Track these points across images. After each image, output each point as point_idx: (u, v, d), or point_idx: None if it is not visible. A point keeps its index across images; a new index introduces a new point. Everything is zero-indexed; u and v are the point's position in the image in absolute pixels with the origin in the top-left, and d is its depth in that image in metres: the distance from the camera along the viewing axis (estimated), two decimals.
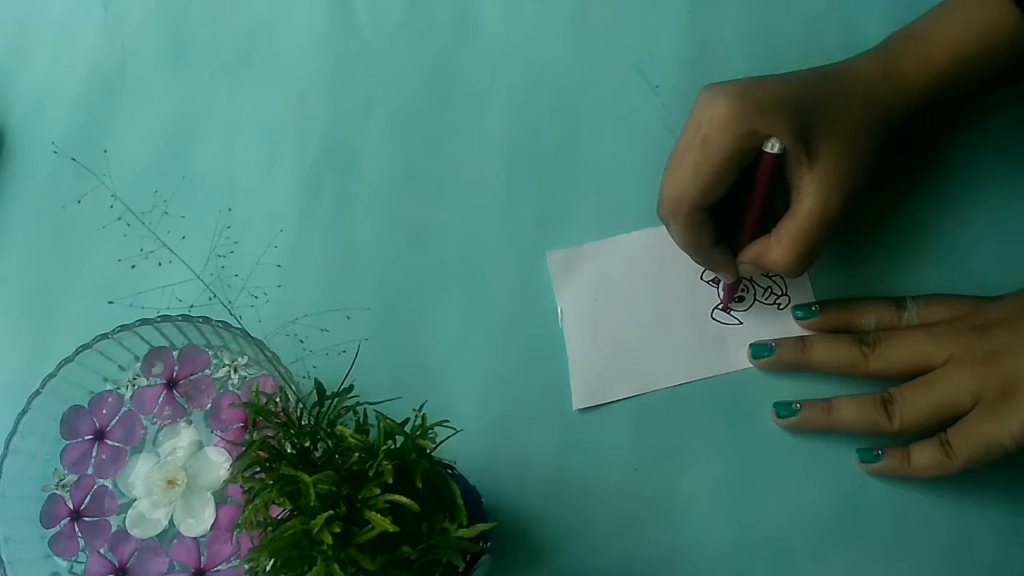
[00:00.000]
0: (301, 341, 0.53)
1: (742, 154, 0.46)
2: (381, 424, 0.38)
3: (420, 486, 0.37)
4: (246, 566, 0.37)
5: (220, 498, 0.51)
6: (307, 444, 0.39)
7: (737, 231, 0.50)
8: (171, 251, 0.54)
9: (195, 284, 0.54)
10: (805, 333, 0.52)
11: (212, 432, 0.52)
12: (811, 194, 0.46)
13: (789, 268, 0.48)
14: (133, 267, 0.55)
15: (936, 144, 0.55)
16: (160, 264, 0.55)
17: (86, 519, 0.51)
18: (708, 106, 0.47)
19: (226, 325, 0.50)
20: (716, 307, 0.53)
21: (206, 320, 0.50)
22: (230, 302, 0.54)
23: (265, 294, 0.55)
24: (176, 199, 0.57)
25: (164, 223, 0.56)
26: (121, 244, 0.56)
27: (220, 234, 0.56)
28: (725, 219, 0.49)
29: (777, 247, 0.47)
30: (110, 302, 0.54)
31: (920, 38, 0.49)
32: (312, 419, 0.40)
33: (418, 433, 0.38)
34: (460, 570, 0.40)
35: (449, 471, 0.42)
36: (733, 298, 0.53)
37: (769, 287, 0.53)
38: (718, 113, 0.46)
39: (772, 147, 0.46)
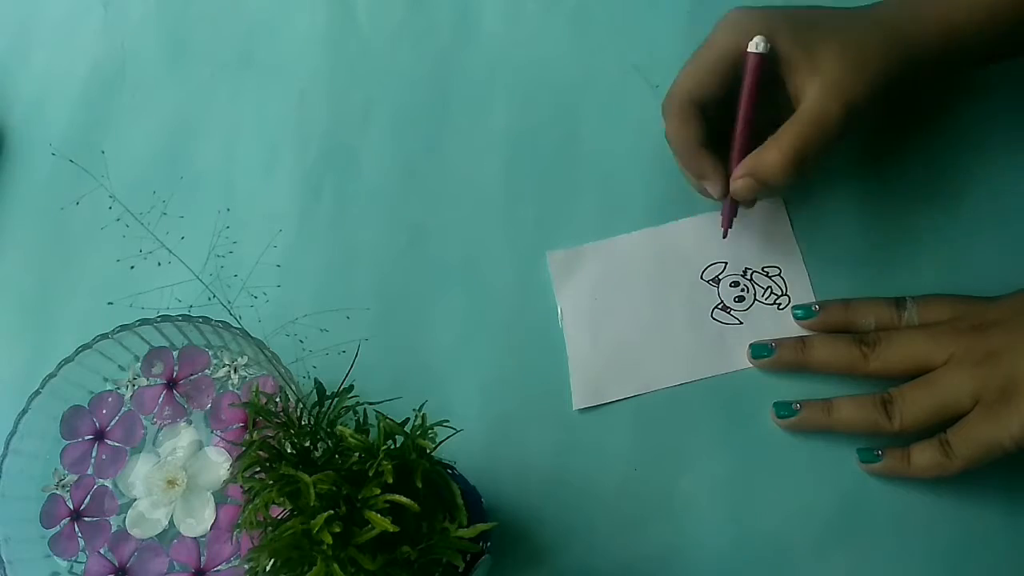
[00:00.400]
0: (301, 341, 0.53)
1: (739, 53, 0.47)
2: (381, 424, 0.38)
3: (420, 486, 0.37)
4: (246, 566, 0.37)
5: (220, 498, 0.51)
6: (307, 444, 0.39)
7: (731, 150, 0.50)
8: (170, 251, 0.54)
9: (194, 284, 0.54)
10: (805, 333, 0.52)
11: (212, 432, 0.52)
12: (810, 98, 0.47)
13: (781, 169, 0.47)
14: (132, 268, 0.55)
15: (936, 144, 0.55)
16: (159, 264, 0.55)
17: (86, 519, 0.51)
18: (723, 18, 0.49)
19: (226, 325, 0.50)
20: (716, 307, 0.53)
21: (206, 320, 0.50)
22: (229, 302, 0.54)
23: (265, 294, 0.55)
24: (175, 199, 0.57)
25: (163, 223, 0.56)
26: (120, 245, 0.56)
27: (219, 234, 0.56)
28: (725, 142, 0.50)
29: (773, 148, 0.47)
30: (110, 303, 0.54)
31: None
32: (312, 419, 0.40)
33: (418, 433, 0.38)
34: (460, 570, 0.40)
35: (449, 471, 0.42)
36: (731, 222, 0.52)
37: (769, 287, 0.53)
38: (727, 20, 0.48)
39: (756, 46, 0.47)
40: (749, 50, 0.47)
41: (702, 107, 0.49)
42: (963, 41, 0.48)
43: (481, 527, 0.38)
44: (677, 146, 0.50)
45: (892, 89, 0.48)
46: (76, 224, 0.57)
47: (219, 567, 0.50)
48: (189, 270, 0.54)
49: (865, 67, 0.47)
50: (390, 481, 0.36)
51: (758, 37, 0.47)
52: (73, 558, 0.51)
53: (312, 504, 0.36)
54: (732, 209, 0.51)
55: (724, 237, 0.52)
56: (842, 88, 0.46)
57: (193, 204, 0.57)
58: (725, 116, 0.49)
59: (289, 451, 0.39)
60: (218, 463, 0.51)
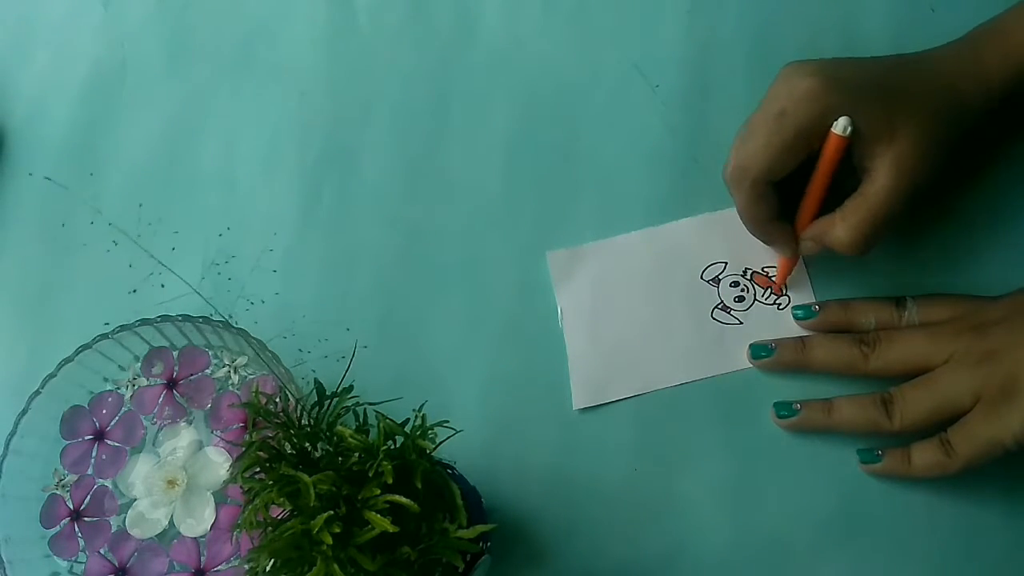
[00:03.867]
0: (299, 349, 0.53)
1: (816, 132, 0.46)
2: (381, 424, 0.38)
3: (420, 486, 0.37)
4: (246, 566, 0.37)
5: (220, 498, 0.51)
6: (307, 444, 0.39)
7: (798, 208, 0.50)
8: (163, 265, 0.54)
9: (193, 298, 0.54)
10: (805, 333, 0.52)
11: (212, 432, 0.52)
12: (883, 176, 0.46)
13: (851, 247, 0.47)
14: (135, 292, 0.55)
15: None
16: (161, 285, 0.55)
17: (86, 519, 0.51)
18: (788, 81, 0.47)
19: (226, 325, 0.50)
20: (716, 307, 0.53)
21: (206, 320, 0.51)
22: (229, 316, 0.53)
23: (263, 300, 0.54)
24: (167, 211, 0.57)
25: (155, 237, 0.56)
26: (111, 262, 0.55)
27: (215, 243, 0.56)
28: (789, 195, 0.49)
29: (842, 224, 0.47)
30: (106, 324, 0.53)
31: (1004, 33, 0.49)
32: (312, 419, 0.40)
33: (418, 433, 0.38)
34: (460, 570, 0.40)
35: (449, 471, 0.42)
36: (784, 283, 0.52)
37: (769, 287, 0.53)
38: (799, 89, 0.46)
39: (844, 130, 0.46)
40: (835, 132, 0.46)
41: (772, 183, 0.48)
42: None
43: (481, 527, 0.38)
44: (749, 221, 0.49)
45: (956, 150, 0.48)
46: (66, 244, 0.57)
47: (219, 567, 0.50)
48: (186, 284, 0.54)
49: (936, 141, 0.47)
50: (390, 481, 0.36)
51: (844, 120, 0.45)
52: (73, 558, 0.51)
53: (312, 504, 0.36)
54: (791, 265, 0.52)
55: (777, 292, 0.53)
56: (914, 166, 0.46)
57: (188, 210, 0.57)
58: (791, 178, 0.48)
59: (289, 451, 0.39)
60: (218, 463, 0.51)
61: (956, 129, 0.48)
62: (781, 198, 0.49)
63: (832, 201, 0.49)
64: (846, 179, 0.48)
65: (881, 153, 0.46)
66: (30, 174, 0.59)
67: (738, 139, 0.48)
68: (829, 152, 0.47)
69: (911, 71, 0.48)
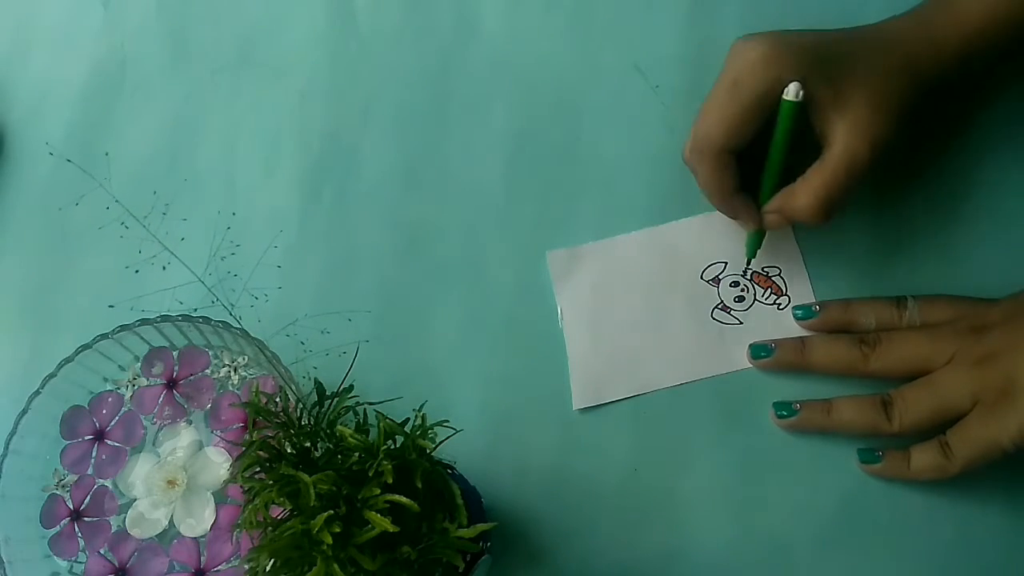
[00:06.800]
0: (302, 343, 0.53)
1: (771, 98, 0.46)
2: (381, 424, 0.38)
3: (420, 486, 0.37)
4: (246, 566, 0.37)
5: (220, 498, 0.51)
6: (307, 444, 0.39)
7: (760, 183, 0.50)
8: (172, 253, 0.54)
9: (196, 286, 0.54)
10: (805, 333, 0.52)
11: (212, 432, 0.52)
12: (839, 140, 0.47)
13: (813, 213, 0.47)
14: (137, 272, 0.55)
15: (936, 143, 0.55)
16: (163, 268, 0.55)
17: (86, 519, 0.51)
18: (740, 52, 0.47)
19: (226, 325, 0.50)
20: (716, 307, 0.53)
21: (206, 320, 0.50)
22: (232, 305, 0.54)
23: (265, 295, 0.55)
24: (176, 201, 0.57)
25: (164, 225, 0.56)
26: (120, 246, 0.56)
27: (221, 236, 0.56)
28: (751, 171, 0.49)
29: (803, 192, 0.48)
30: (111, 306, 0.54)
31: (953, 1, 0.49)
32: (312, 419, 0.40)
33: (418, 433, 0.38)
34: (460, 570, 0.40)
35: (449, 471, 0.42)
36: (755, 252, 0.52)
37: (769, 287, 0.53)
38: (750, 57, 0.47)
39: (796, 95, 0.46)
40: (786, 98, 0.46)
41: (733, 153, 0.48)
42: (979, 53, 0.49)
43: (481, 527, 0.38)
44: (712, 193, 0.50)
45: (913, 118, 0.48)
46: (75, 226, 0.57)
47: (219, 567, 0.50)
48: (192, 272, 0.54)
49: (889, 103, 0.47)
50: (390, 481, 0.36)
51: (794, 85, 0.46)
52: (73, 558, 0.51)
53: (312, 504, 0.36)
54: (759, 240, 0.52)
55: (748, 264, 0.53)
56: (869, 128, 0.46)
57: (194, 205, 0.57)
58: (752, 151, 0.49)
59: (289, 451, 0.39)
60: (218, 463, 0.51)
61: (910, 95, 0.48)
62: (743, 172, 0.49)
63: (797, 175, 0.49)
64: (809, 153, 0.48)
65: (836, 118, 0.47)
66: (51, 153, 0.59)
67: (697, 117, 0.49)
68: (783, 118, 0.47)
69: (862, 39, 0.49)
